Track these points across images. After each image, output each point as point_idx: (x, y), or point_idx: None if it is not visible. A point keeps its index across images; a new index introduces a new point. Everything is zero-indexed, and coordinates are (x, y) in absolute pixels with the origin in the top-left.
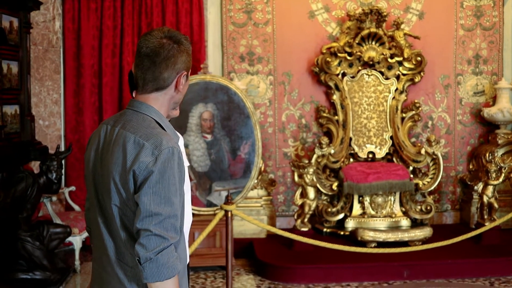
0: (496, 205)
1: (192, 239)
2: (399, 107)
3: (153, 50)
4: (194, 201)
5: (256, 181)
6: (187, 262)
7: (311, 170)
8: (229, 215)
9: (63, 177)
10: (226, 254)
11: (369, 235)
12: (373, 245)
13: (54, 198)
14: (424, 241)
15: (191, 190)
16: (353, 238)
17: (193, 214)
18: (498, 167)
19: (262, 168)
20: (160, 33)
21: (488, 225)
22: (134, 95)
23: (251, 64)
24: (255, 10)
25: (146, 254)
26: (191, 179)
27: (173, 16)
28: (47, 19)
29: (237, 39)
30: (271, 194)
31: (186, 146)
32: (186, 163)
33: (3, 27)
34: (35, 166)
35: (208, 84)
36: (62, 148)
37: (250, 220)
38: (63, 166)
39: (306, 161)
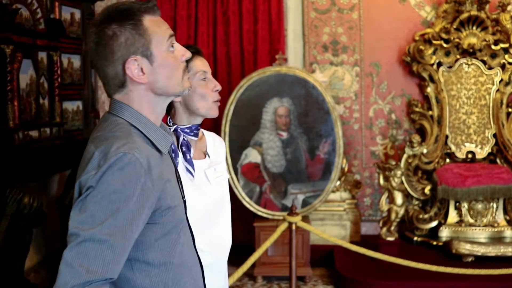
0: None
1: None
2: (505, 101)
3: (90, 48)
4: (268, 204)
5: (337, 183)
6: None
7: (398, 173)
8: (293, 227)
9: None
10: (290, 268)
11: (465, 248)
12: (470, 259)
13: None
14: None
15: (265, 192)
16: (446, 249)
17: (267, 219)
18: None
19: (346, 169)
20: (95, 19)
21: None
22: None
23: (335, 54)
24: None
25: None
26: (264, 181)
27: (250, 3)
28: None
29: (320, 27)
30: (356, 197)
31: (259, 144)
32: (224, 175)
33: (63, 19)
34: None
35: (284, 77)
36: None
37: (319, 233)
38: None
39: (393, 163)
